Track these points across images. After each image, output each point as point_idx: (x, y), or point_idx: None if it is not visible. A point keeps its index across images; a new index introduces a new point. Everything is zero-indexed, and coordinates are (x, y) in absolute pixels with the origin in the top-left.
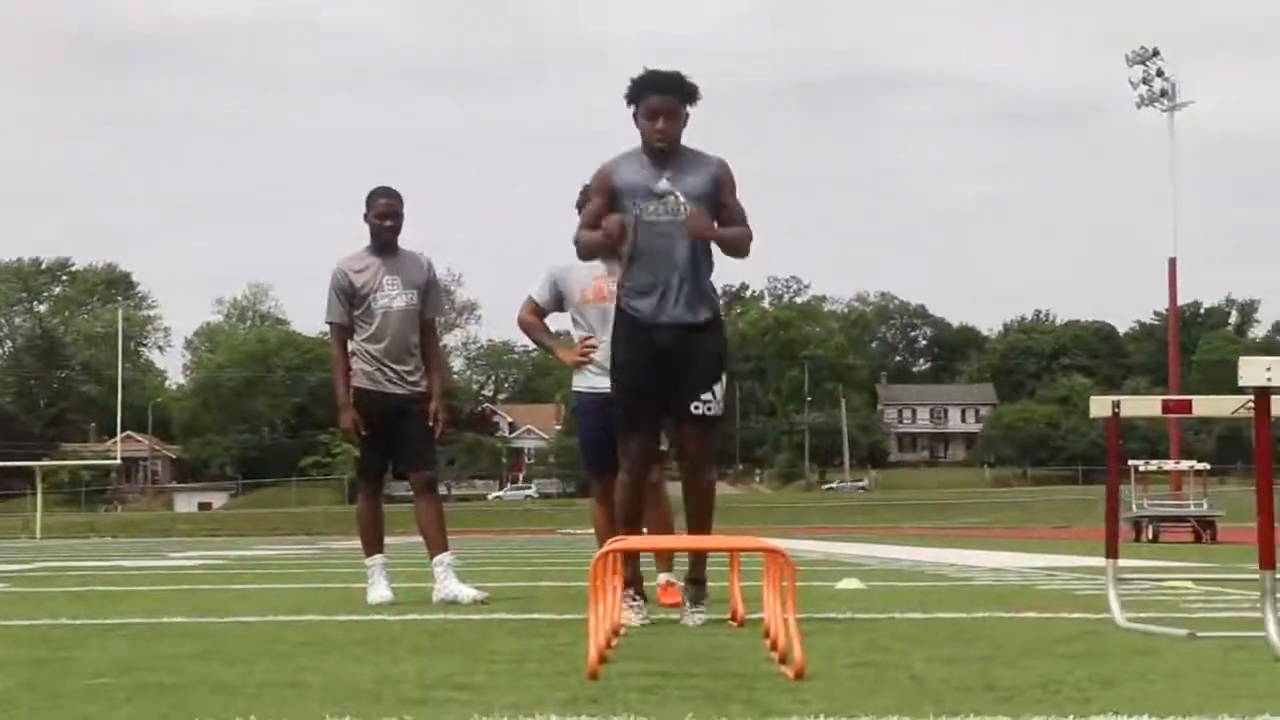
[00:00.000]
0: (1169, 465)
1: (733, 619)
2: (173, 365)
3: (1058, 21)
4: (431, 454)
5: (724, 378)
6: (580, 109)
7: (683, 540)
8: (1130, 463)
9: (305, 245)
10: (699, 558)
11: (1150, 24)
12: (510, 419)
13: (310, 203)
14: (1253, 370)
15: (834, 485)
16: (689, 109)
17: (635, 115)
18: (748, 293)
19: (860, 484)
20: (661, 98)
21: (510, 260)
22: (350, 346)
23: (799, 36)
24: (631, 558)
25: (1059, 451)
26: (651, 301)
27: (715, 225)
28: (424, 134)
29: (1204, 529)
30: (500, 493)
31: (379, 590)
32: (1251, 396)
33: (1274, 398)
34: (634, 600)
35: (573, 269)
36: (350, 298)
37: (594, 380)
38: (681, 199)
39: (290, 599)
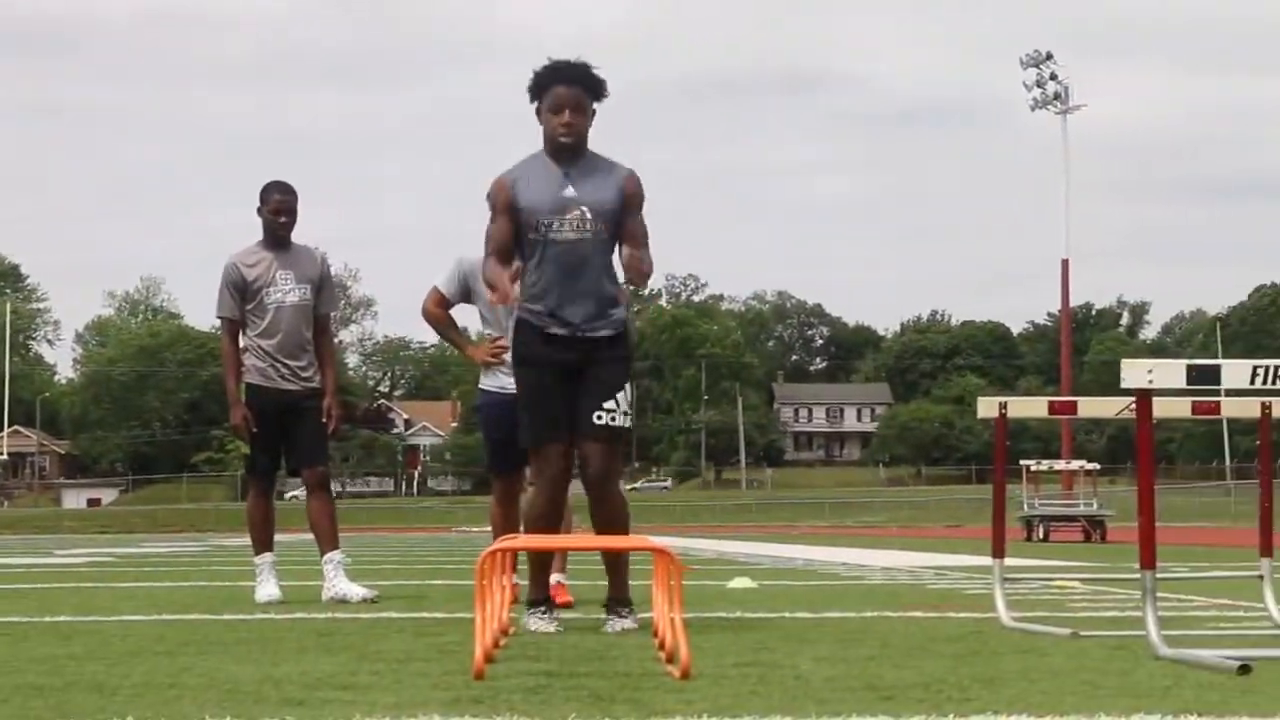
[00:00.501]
0: (1060, 465)
1: None
2: (62, 359)
3: (956, 22)
4: (324, 451)
5: (629, 387)
6: (474, 102)
7: (569, 540)
8: (1022, 463)
9: (198, 239)
10: (620, 575)
11: (1045, 27)
12: (406, 416)
13: (204, 196)
14: (1135, 373)
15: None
16: (596, 106)
17: (538, 111)
18: (645, 291)
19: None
20: (569, 89)
21: (407, 255)
22: (242, 342)
23: (699, 33)
24: (542, 572)
25: (953, 451)
26: (555, 317)
27: (639, 262)
28: (319, 128)
29: (1094, 528)
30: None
31: (267, 589)
32: (1134, 399)
33: (1157, 400)
34: (544, 614)
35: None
36: (242, 292)
37: (504, 380)
38: (588, 214)
39: (176, 598)
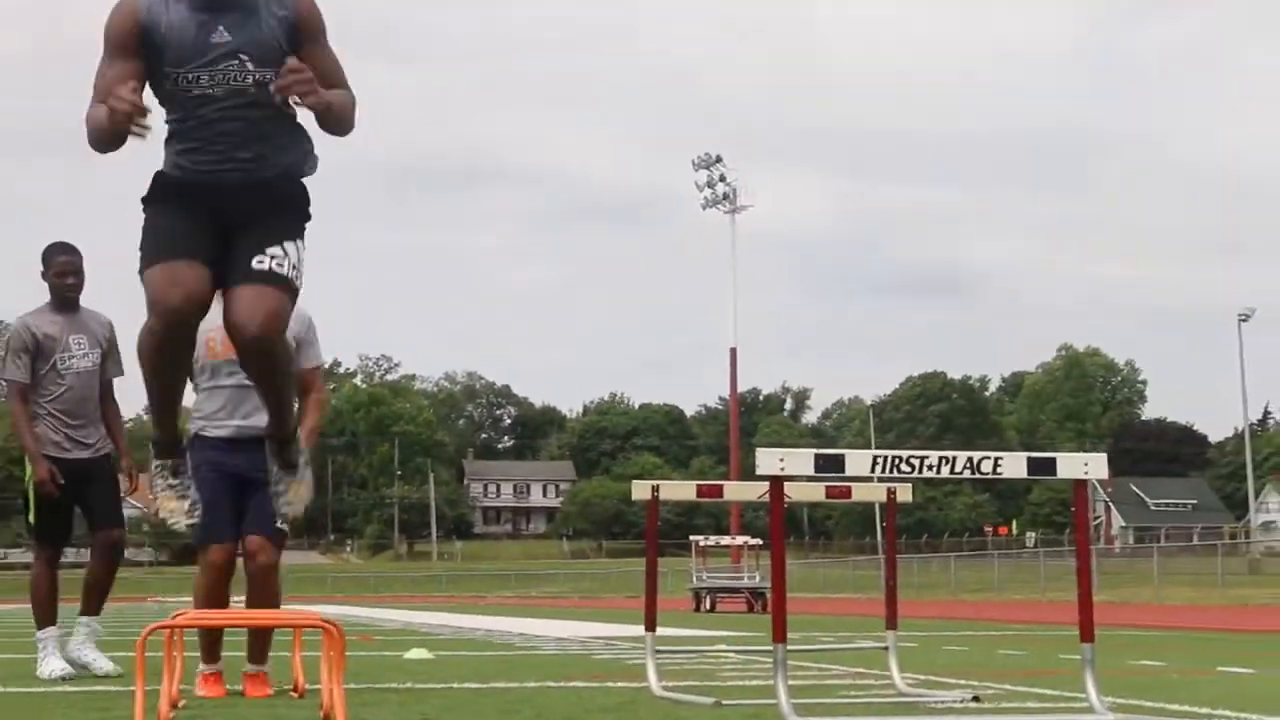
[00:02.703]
0: (727, 540)
1: (295, 691)
2: None
3: (637, 124)
4: (120, 514)
5: (302, 239)
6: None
7: (237, 615)
8: (692, 538)
9: None
10: (280, 409)
11: (716, 132)
12: None
13: None
14: (768, 460)
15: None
16: None
17: None
18: (340, 369)
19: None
20: None
21: None
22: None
23: (393, 118)
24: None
25: (632, 526)
26: (203, 165)
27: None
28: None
29: (756, 599)
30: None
31: (54, 663)
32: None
33: (799, 484)
34: (175, 478)
35: None
36: (33, 356)
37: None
38: (249, 63)
39: None
